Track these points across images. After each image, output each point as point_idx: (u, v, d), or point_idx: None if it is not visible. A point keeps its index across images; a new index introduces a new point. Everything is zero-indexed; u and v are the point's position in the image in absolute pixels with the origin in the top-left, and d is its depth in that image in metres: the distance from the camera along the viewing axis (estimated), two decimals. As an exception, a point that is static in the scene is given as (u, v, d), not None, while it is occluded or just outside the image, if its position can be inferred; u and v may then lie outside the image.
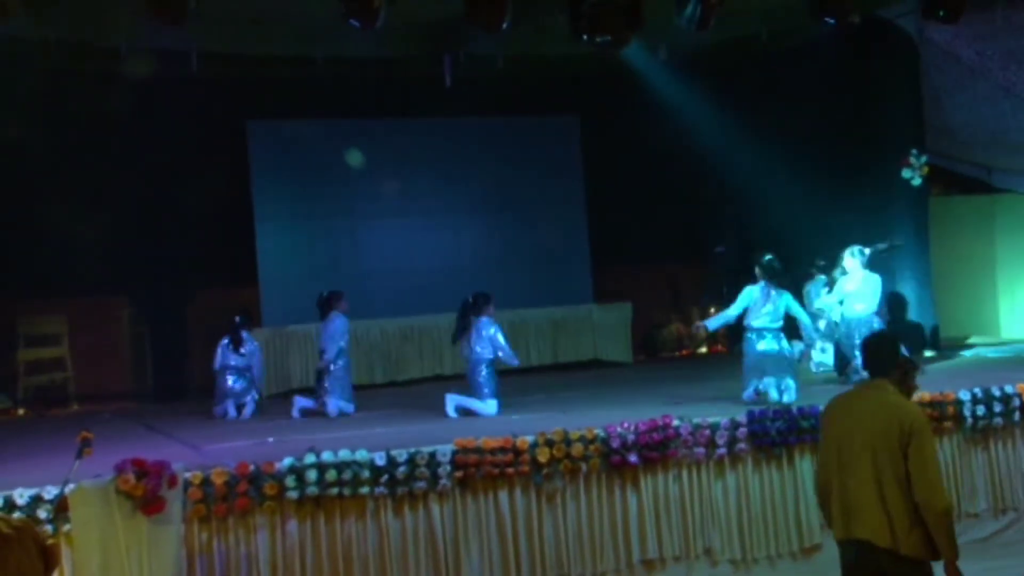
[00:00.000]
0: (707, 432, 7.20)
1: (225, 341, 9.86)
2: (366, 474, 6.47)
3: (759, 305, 8.44)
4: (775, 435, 7.33)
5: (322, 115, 12.52)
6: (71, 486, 5.76)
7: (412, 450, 6.63)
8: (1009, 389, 7.91)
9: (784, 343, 8.49)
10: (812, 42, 11.73)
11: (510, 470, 6.77)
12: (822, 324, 10.06)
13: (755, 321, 8.44)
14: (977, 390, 7.82)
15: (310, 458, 6.43)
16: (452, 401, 8.88)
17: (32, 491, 5.87)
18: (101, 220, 11.32)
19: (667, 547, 7.10)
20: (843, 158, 12.38)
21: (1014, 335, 12.32)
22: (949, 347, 11.71)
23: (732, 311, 8.61)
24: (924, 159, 11.85)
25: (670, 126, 13.38)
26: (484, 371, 8.93)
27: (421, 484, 6.59)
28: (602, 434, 7.01)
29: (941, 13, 9.48)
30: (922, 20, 10.97)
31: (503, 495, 6.81)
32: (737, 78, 13.51)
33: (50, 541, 4.84)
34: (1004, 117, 11.67)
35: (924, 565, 4.61)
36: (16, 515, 5.71)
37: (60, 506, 5.79)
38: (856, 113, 12.32)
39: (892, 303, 10.99)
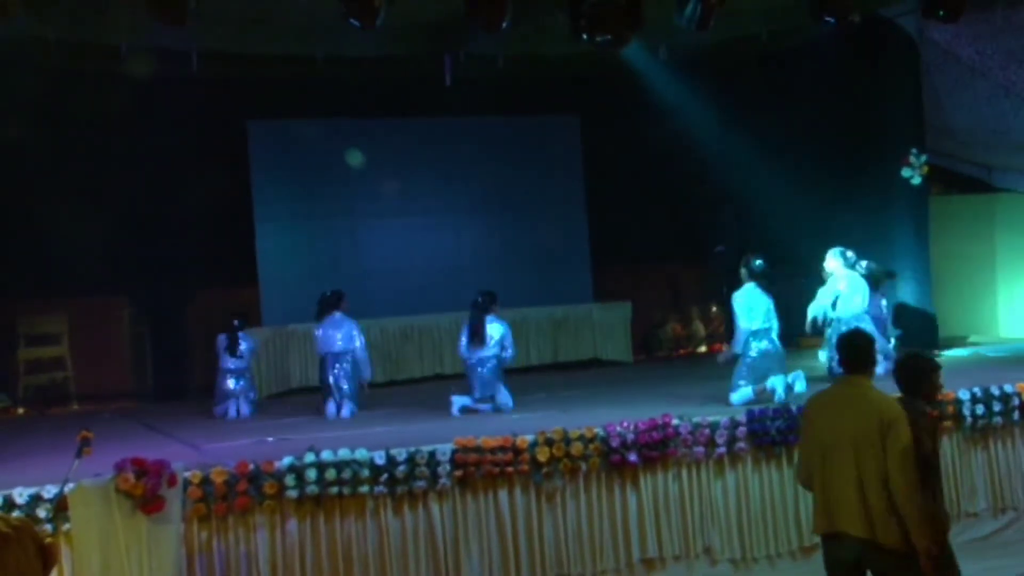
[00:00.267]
0: (707, 431, 7.21)
1: (224, 344, 9.85)
2: (366, 473, 6.48)
3: (757, 306, 8.45)
4: (775, 434, 7.34)
5: (322, 115, 12.52)
6: (71, 485, 5.77)
7: (412, 449, 6.64)
8: (1008, 388, 7.92)
9: (777, 340, 8.51)
10: (812, 42, 11.72)
11: (510, 469, 6.78)
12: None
13: (753, 324, 8.43)
14: (976, 389, 7.83)
15: (310, 457, 6.43)
16: (504, 394, 9.02)
17: (32, 490, 5.88)
18: (101, 220, 11.33)
19: (667, 546, 7.11)
20: (843, 157, 12.38)
21: (1013, 334, 12.32)
22: (948, 346, 11.71)
23: (747, 324, 8.44)
24: (924, 158, 11.85)
25: (670, 126, 13.38)
26: (497, 367, 9.08)
27: (421, 483, 6.60)
28: (602, 433, 7.02)
29: (941, 13, 9.47)
30: (922, 20, 10.97)
31: (503, 494, 6.82)
32: (737, 78, 13.50)
33: (48, 540, 4.84)
34: (1004, 116, 11.67)
35: (906, 556, 4.68)
36: (16, 514, 5.72)
37: (60, 505, 5.80)
38: (856, 112, 12.33)
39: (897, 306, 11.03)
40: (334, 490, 6.42)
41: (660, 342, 14.23)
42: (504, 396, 9.05)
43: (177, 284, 12.13)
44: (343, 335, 9.49)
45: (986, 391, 7.83)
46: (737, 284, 8.71)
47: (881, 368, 9.18)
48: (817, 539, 7.09)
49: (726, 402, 8.24)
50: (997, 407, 7.80)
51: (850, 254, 9.69)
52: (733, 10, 9.61)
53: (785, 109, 12.84)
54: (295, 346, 11.79)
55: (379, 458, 6.54)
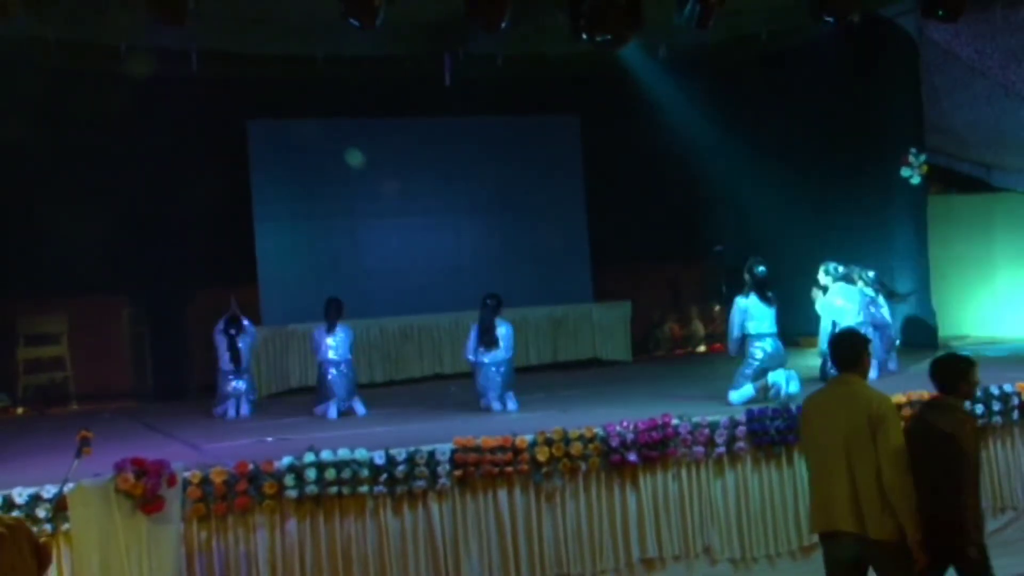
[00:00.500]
0: (706, 431, 7.21)
1: (224, 352, 9.84)
2: (365, 473, 6.48)
3: (760, 313, 8.47)
4: (774, 434, 7.35)
5: (322, 114, 12.52)
6: (70, 485, 5.77)
7: (411, 449, 6.64)
8: (1008, 388, 7.91)
9: (779, 341, 8.57)
10: (812, 41, 11.73)
11: (509, 469, 6.78)
12: None
13: (757, 328, 8.47)
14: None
15: (309, 457, 6.44)
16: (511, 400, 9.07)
17: (31, 490, 5.88)
18: (101, 219, 11.32)
19: (666, 546, 7.11)
20: (842, 157, 12.39)
21: (1013, 334, 12.31)
22: (947, 345, 11.71)
23: (739, 332, 8.54)
24: (923, 158, 11.85)
25: (670, 126, 13.38)
26: (511, 370, 9.19)
27: (420, 483, 6.60)
28: (601, 433, 7.02)
29: (941, 12, 9.47)
30: (922, 19, 10.97)
31: (502, 494, 6.82)
32: (737, 78, 13.51)
33: (43, 540, 4.84)
34: (1003, 116, 11.66)
35: (899, 549, 4.76)
36: (15, 514, 5.72)
37: (59, 505, 5.80)
38: (856, 112, 12.33)
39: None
40: (334, 490, 6.42)
41: (659, 342, 14.23)
42: (513, 402, 9.06)
43: (177, 284, 12.12)
44: (351, 343, 9.59)
45: (986, 391, 7.82)
46: (738, 285, 8.73)
47: (874, 373, 9.30)
48: (816, 538, 7.22)
49: (726, 401, 8.25)
50: (996, 407, 7.80)
51: (840, 268, 9.72)
52: (733, 10, 9.62)
53: (785, 109, 12.85)
54: (295, 346, 11.79)
55: (379, 458, 6.54)
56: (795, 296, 10.12)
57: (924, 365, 9.71)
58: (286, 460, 6.41)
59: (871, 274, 10.12)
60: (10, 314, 11.59)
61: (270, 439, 7.96)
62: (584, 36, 8.97)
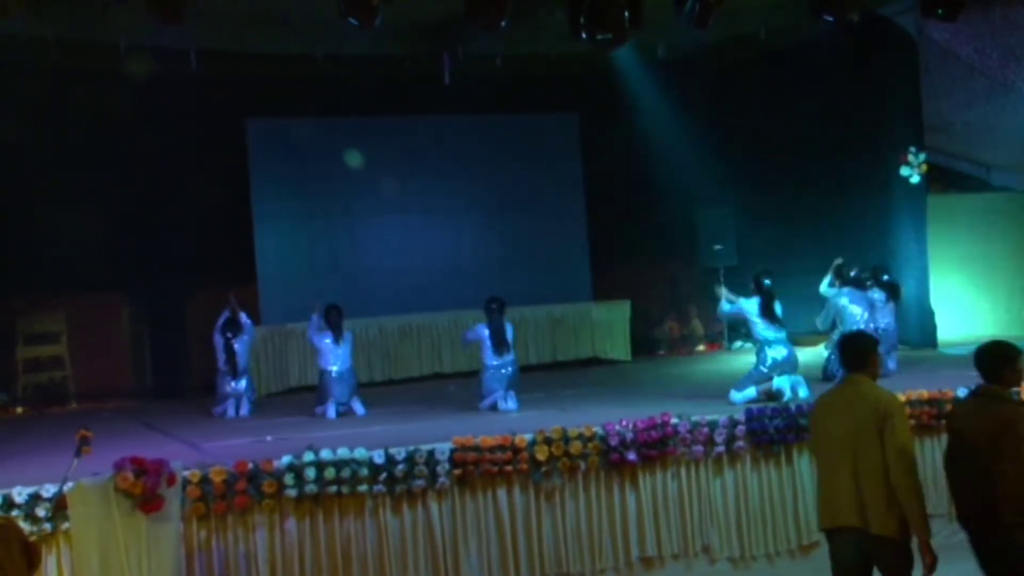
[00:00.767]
0: (705, 430, 7.22)
1: (221, 353, 9.83)
2: (365, 472, 6.49)
3: (768, 318, 8.50)
4: (773, 433, 7.36)
5: (321, 113, 12.52)
6: (70, 484, 5.77)
7: (411, 448, 6.64)
8: (1007, 387, 7.89)
9: (791, 346, 8.60)
10: (811, 40, 11.73)
11: (509, 468, 6.79)
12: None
13: (765, 333, 8.51)
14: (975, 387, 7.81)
15: (309, 456, 6.44)
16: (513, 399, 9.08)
17: (31, 489, 5.88)
18: (100, 218, 11.32)
19: (666, 545, 7.12)
20: (842, 155, 12.39)
21: (1012, 333, 12.32)
22: (947, 345, 11.72)
23: (729, 307, 8.68)
24: (923, 156, 11.86)
25: (669, 124, 13.38)
26: (517, 368, 9.24)
27: (420, 482, 6.61)
28: (601, 432, 7.02)
29: (940, 11, 9.49)
30: (921, 18, 10.98)
31: (502, 493, 6.82)
32: (736, 76, 13.51)
33: (33, 539, 4.84)
34: (1003, 114, 11.67)
35: (901, 545, 4.81)
36: (15, 513, 5.73)
37: (59, 504, 5.81)
38: (855, 111, 12.34)
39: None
40: (333, 489, 6.42)
41: (659, 341, 14.22)
42: (513, 401, 9.07)
43: (176, 283, 12.11)
44: (352, 348, 9.64)
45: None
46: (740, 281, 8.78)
47: None
48: (816, 537, 7.26)
49: (725, 400, 8.26)
50: (996, 405, 7.78)
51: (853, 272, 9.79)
52: (732, 9, 9.62)
53: (784, 108, 12.85)
54: (294, 345, 11.78)
55: (378, 457, 6.55)
56: (795, 295, 10.12)
57: (923, 364, 9.76)
58: (285, 459, 6.42)
59: (884, 278, 10.11)
60: (9, 313, 11.58)
61: (269, 438, 7.96)
62: (584, 35, 8.97)
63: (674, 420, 7.18)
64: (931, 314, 11.93)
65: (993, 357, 5.05)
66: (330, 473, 6.41)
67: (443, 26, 10.89)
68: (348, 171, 12.58)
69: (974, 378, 7.91)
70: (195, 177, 11.82)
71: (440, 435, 6.98)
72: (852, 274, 9.81)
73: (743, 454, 7.32)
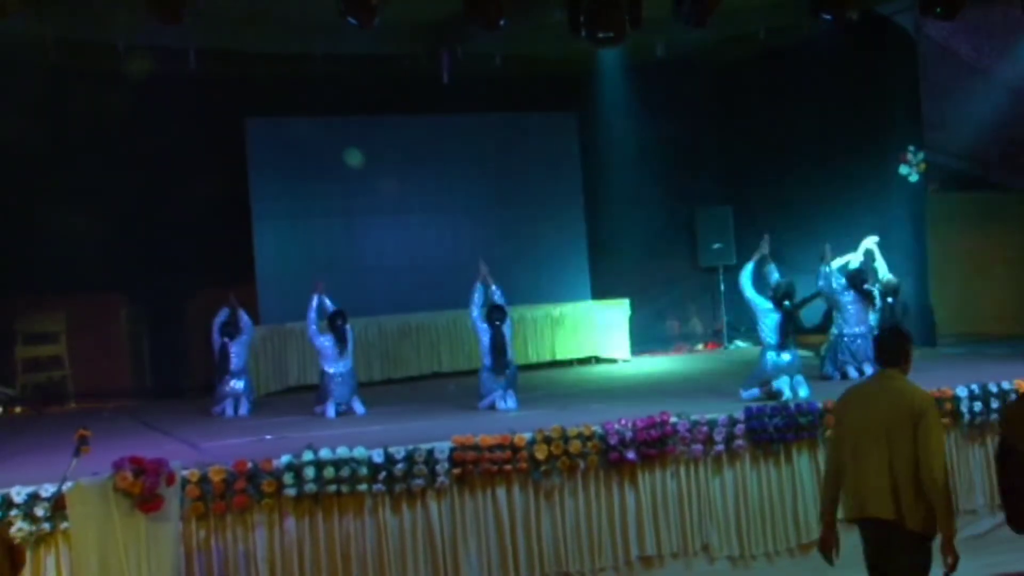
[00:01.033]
0: (705, 429, 7.22)
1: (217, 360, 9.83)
2: (364, 471, 6.49)
3: (778, 324, 8.49)
4: (773, 432, 7.36)
5: (320, 112, 12.50)
6: (69, 484, 5.76)
7: (410, 447, 6.64)
8: (1006, 385, 7.93)
9: (796, 351, 8.60)
10: (810, 39, 11.73)
11: (508, 467, 6.79)
12: None
13: (771, 338, 8.49)
14: (974, 386, 7.85)
15: (308, 455, 6.44)
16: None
17: (30, 489, 5.87)
18: (99, 217, 11.31)
19: (665, 544, 7.12)
20: (841, 154, 12.38)
21: (1011, 331, 12.32)
22: (946, 343, 11.72)
23: (749, 295, 8.61)
24: (922, 155, 11.86)
25: (667, 123, 13.37)
26: (515, 369, 9.26)
27: (419, 481, 6.61)
28: (600, 431, 7.02)
29: (938, 10, 9.48)
30: (920, 16, 10.97)
31: (501, 492, 6.82)
32: (735, 75, 13.51)
33: (16, 541, 4.83)
34: (1001, 113, 11.68)
35: (925, 541, 4.93)
36: (13, 513, 5.73)
37: (58, 504, 5.80)
38: (854, 109, 12.33)
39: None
40: (332, 488, 6.42)
41: (658, 340, 14.20)
42: (512, 400, 9.07)
43: (175, 282, 12.09)
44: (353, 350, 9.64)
45: (984, 388, 7.85)
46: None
47: (870, 370, 9.32)
48: (815, 536, 7.21)
49: (725, 399, 8.26)
50: (995, 404, 7.81)
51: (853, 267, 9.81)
52: (731, 8, 9.62)
53: (783, 106, 12.85)
54: (293, 344, 11.76)
55: (377, 456, 6.55)
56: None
57: (922, 363, 9.78)
58: (285, 459, 6.42)
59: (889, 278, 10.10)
60: (8, 313, 11.56)
61: (269, 437, 7.95)
62: (582, 34, 8.98)
63: (673, 419, 7.18)
64: (930, 312, 11.92)
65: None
66: (329, 472, 6.41)
67: (442, 25, 10.89)
68: (347, 170, 12.56)
69: (974, 376, 7.97)
70: (194, 176, 11.80)
71: (439, 434, 6.98)
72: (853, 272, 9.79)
73: (742, 453, 7.32)
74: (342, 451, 6.51)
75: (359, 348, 10.96)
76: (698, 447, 7.19)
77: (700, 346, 14.18)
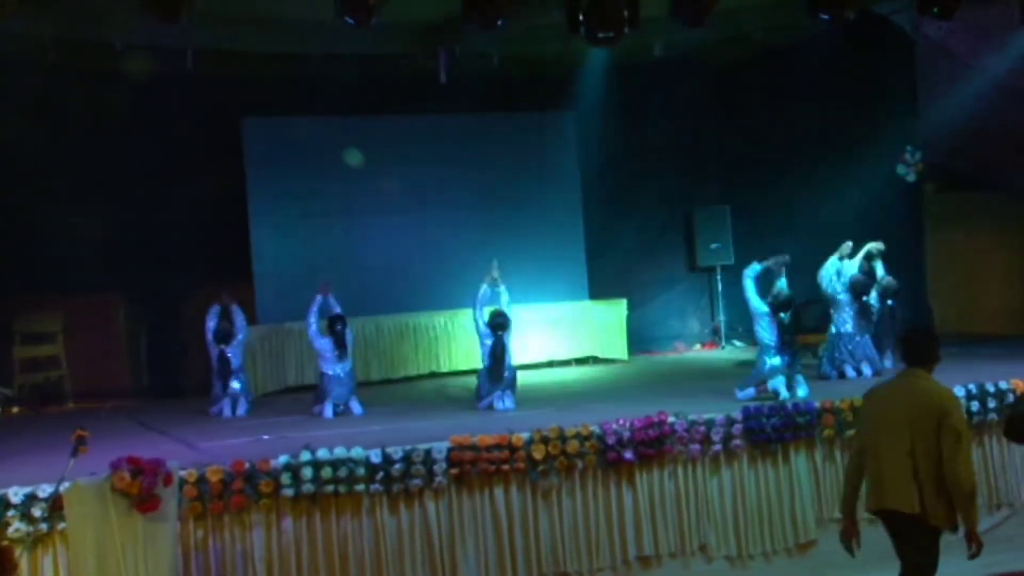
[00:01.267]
0: (703, 429, 7.22)
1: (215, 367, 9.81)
2: (362, 472, 6.49)
3: (775, 328, 8.49)
4: (771, 431, 7.36)
5: (318, 112, 12.49)
6: (66, 484, 5.75)
7: (408, 447, 6.64)
8: (1003, 385, 7.93)
9: (794, 353, 8.59)
10: (807, 39, 11.73)
11: (506, 467, 6.79)
12: None
13: (768, 339, 8.50)
14: (971, 386, 7.85)
15: (306, 456, 6.44)
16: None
17: (27, 489, 5.87)
18: (96, 217, 11.29)
19: (663, 544, 7.12)
20: (838, 154, 12.40)
21: (1008, 331, 12.33)
22: (943, 343, 11.70)
23: (749, 295, 8.61)
24: (919, 155, 11.87)
25: (665, 123, 13.37)
26: (514, 369, 9.25)
27: (417, 481, 6.61)
28: (598, 431, 7.02)
29: (936, 10, 9.49)
30: (917, 16, 10.98)
31: (499, 492, 6.82)
32: (732, 75, 13.51)
33: (5, 543, 4.82)
34: (999, 113, 11.68)
35: (937, 535, 5.13)
36: (10, 514, 5.72)
37: (55, 504, 5.79)
38: (851, 109, 12.34)
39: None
40: (330, 488, 6.42)
41: (655, 340, 14.21)
42: (510, 400, 9.07)
43: (173, 282, 12.09)
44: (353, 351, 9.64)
45: (981, 387, 7.85)
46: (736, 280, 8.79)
47: (867, 370, 9.33)
48: (812, 536, 7.37)
49: (722, 399, 8.26)
50: (992, 403, 7.81)
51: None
52: (728, 7, 9.63)
53: (780, 106, 12.86)
54: (291, 344, 11.76)
55: (375, 456, 6.55)
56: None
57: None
58: (282, 459, 6.41)
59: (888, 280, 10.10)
60: (6, 313, 11.55)
61: (266, 438, 7.94)
62: (581, 33, 8.98)
63: (671, 419, 7.18)
64: (928, 312, 11.93)
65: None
66: (327, 472, 6.41)
67: (439, 25, 10.89)
68: (344, 170, 12.55)
69: (971, 376, 7.97)
70: (191, 176, 11.80)
71: (437, 434, 6.98)
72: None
73: (740, 453, 7.32)
74: (340, 451, 6.50)
75: (357, 348, 10.97)
76: (696, 447, 7.20)
77: (698, 346, 14.19)
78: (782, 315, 8.47)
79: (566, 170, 13.66)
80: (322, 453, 6.47)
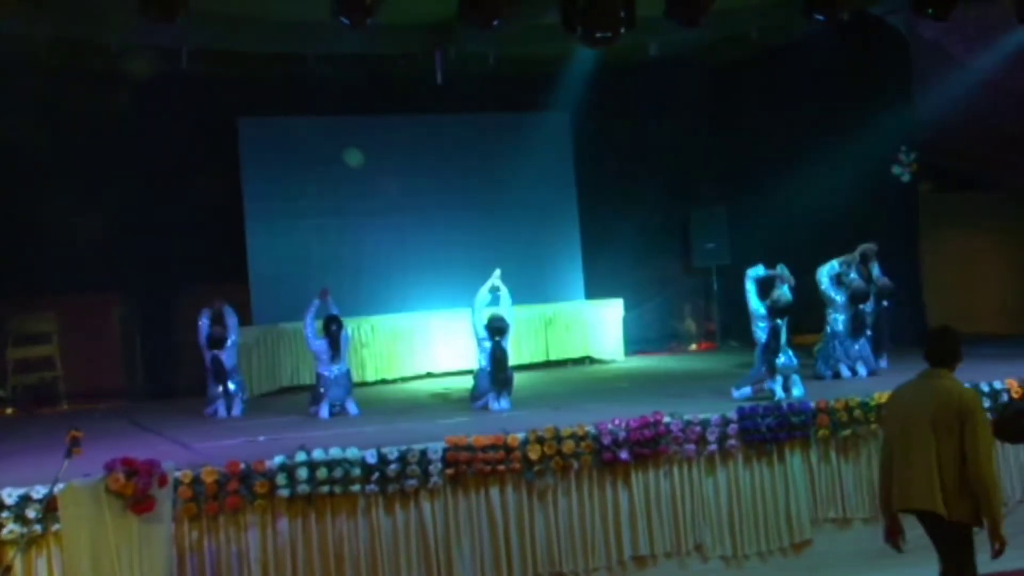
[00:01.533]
0: (698, 429, 7.23)
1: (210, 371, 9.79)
2: (357, 472, 6.48)
3: (770, 330, 8.48)
4: (766, 431, 7.38)
5: (313, 112, 12.48)
6: (61, 485, 5.74)
7: (403, 448, 6.64)
8: (998, 385, 7.95)
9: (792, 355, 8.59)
10: (803, 39, 11.74)
11: (501, 467, 6.79)
12: None
13: (768, 342, 8.47)
14: (967, 386, 7.84)
15: (301, 456, 6.43)
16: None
17: (21, 490, 5.85)
18: (92, 218, 11.27)
19: (658, 543, 7.13)
20: (833, 154, 12.39)
21: (1005, 331, 12.36)
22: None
23: (750, 295, 8.61)
24: (914, 156, 11.88)
25: (661, 123, 13.37)
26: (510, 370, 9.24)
27: (412, 482, 6.60)
28: (593, 431, 7.03)
29: (931, 10, 9.50)
30: (912, 17, 10.99)
31: (494, 492, 6.83)
32: (728, 75, 13.52)
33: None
34: (994, 113, 11.70)
35: (967, 529, 5.24)
36: (4, 515, 5.70)
37: (49, 506, 5.78)
38: (846, 110, 12.34)
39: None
40: (325, 489, 6.41)
41: (652, 340, 14.22)
42: (505, 400, 9.07)
43: (167, 282, 12.07)
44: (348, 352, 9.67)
45: (976, 388, 7.84)
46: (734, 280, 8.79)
47: (863, 370, 9.34)
48: (807, 535, 7.40)
49: (718, 399, 8.27)
50: (987, 404, 7.81)
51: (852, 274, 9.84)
52: (724, 8, 9.63)
53: (775, 106, 12.87)
54: (285, 345, 11.75)
55: (370, 457, 6.54)
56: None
57: (915, 362, 9.75)
58: (277, 459, 6.41)
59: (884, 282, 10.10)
60: (0, 313, 11.53)
61: (261, 438, 7.93)
62: (577, 33, 8.98)
63: (666, 419, 7.19)
64: (922, 312, 11.95)
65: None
66: (322, 473, 6.40)
67: (436, 25, 10.89)
68: (340, 170, 12.55)
69: (967, 376, 7.97)
70: (187, 176, 11.79)
71: (432, 434, 6.98)
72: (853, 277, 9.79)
73: (735, 453, 7.33)
74: (335, 452, 6.50)
75: (352, 348, 10.97)
76: (691, 447, 7.20)
77: (693, 346, 14.20)
78: (778, 321, 8.46)
79: (562, 170, 13.67)
80: (317, 454, 6.47)
